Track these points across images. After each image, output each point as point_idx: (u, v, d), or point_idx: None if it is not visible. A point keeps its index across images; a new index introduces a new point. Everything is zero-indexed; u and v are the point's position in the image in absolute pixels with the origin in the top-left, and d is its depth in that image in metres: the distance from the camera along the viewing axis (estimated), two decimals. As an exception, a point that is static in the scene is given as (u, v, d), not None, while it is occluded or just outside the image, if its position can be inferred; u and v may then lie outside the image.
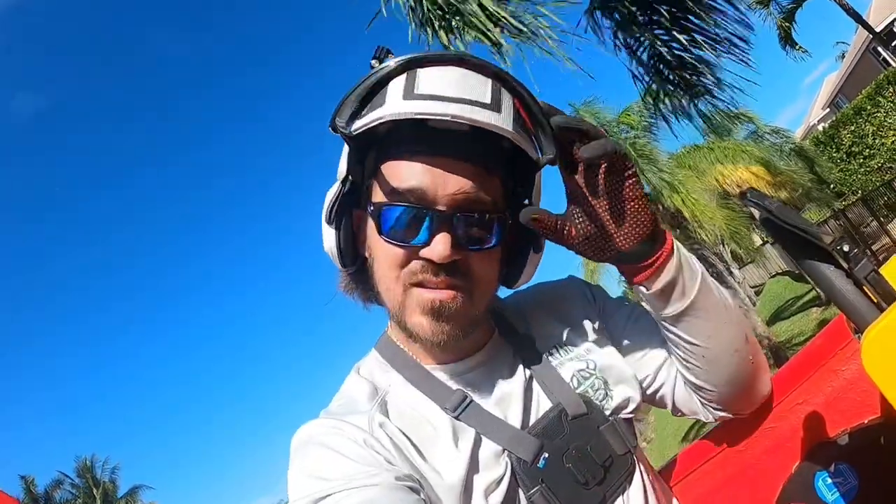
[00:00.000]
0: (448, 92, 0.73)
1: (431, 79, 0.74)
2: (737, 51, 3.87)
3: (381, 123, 0.74)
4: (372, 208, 0.80)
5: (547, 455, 0.80)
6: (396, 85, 0.74)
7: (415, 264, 0.77)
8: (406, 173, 0.77)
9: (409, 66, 0.75)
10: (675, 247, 0.79)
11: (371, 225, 0.82)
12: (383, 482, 0.69)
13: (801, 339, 11.11)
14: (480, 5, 3.19)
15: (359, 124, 0.75)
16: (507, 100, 0.76)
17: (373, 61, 0.79)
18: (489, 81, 0.75)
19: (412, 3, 3.40)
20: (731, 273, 11.43)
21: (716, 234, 9.86)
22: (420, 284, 0.78)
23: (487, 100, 0.74)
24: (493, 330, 0.93)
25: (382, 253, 0.80)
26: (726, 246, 10.81)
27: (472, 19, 3.21)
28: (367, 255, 0.85)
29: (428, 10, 3.33)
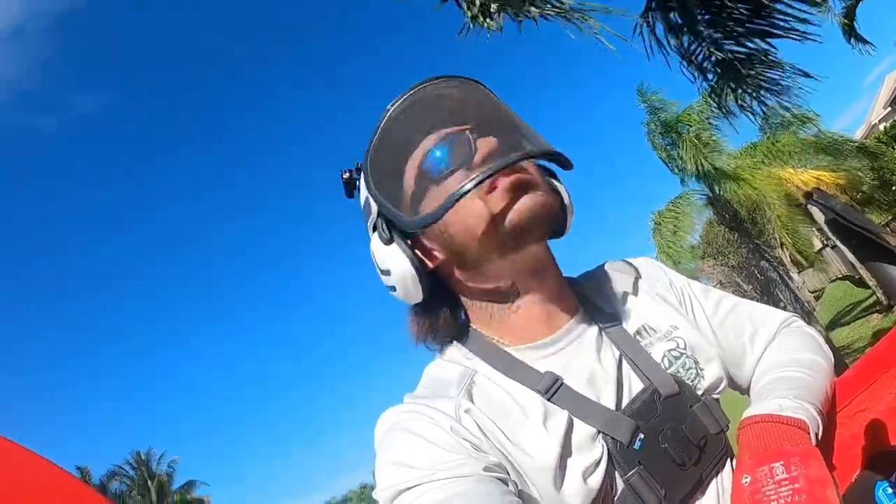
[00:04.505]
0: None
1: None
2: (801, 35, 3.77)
3: (391, 128, 0.82)
4: (419, 170, 0.82)
5: (642, 436, 0.78)
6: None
7: (483, 186, 0.75)
8: (427, 133, 0.82)
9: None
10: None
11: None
12: (471, 473, 0.68)
13: (860, 345, 10.68)
14: None
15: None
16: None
17: (344, 174, 0.93)
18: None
19: None
20: (790, 278, 11.11)
21: (777, 228, 9.71)
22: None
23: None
24: (577, 307, 0.91)
25: (452, 203, 0.74)
26: (785, 249, 10.51)
27: None
28: (434, 251, 0.85)
29: None
